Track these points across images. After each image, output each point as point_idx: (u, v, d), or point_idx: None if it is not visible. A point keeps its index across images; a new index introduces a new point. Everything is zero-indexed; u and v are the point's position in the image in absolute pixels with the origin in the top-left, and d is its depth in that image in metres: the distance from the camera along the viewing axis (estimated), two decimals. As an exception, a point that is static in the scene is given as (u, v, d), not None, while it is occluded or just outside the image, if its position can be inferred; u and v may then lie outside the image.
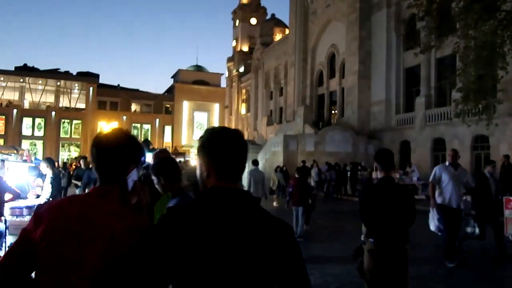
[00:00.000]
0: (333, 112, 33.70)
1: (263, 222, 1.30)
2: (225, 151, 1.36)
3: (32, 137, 46.80)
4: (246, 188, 12.34)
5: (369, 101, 27.64)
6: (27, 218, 5.64)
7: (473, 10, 11.98)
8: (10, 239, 5.89)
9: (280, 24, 47.39)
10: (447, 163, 6.56)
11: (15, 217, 5.73)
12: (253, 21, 54.59)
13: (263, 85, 45.43)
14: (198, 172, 1.42)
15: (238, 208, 1.29)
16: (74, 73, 53.54)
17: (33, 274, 1.40)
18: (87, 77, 52.11)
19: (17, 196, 5.46)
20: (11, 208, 5.55)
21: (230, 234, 1.24)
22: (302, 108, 32.21)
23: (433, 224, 6.43)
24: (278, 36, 45.28)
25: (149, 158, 4.32)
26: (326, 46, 33.43)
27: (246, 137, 36.92)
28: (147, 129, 53.98)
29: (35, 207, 1.39)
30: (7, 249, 5.66)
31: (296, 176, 9.36)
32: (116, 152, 1.50)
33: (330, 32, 32.91)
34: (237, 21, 56.12)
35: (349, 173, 19.91)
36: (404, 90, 26.10)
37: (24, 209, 5.59)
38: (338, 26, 31.00)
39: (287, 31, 42.07)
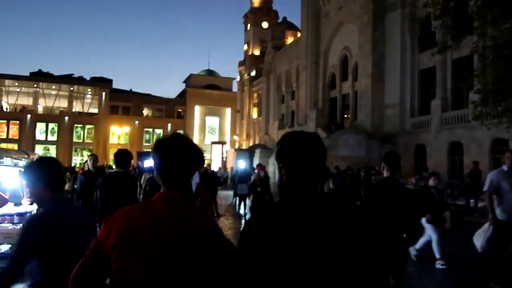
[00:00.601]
0: (346, 116, 33.13)
1: (344, 218, 1.38)
2: (300, 155, 1.43)
3: (46, 142, 47.23)
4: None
5: (383, 104, 27.04)
6: (19, 226, 5.34)
7: (494, 7, 11.41)
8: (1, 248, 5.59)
9: (292, 27, 47.01)
10: (504, 168, 5.53)
11: (10, 224, 5.42)
12: (265, 24, 54.34)
13: (275, 89, 45.07)
14: (278, 174, 1.52)
15: (319, 207, 1.37)
16: (88, 79, 54.11)
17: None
18: (100, 82, 52.56)
19: (4, 203, 5.13)
20: (1, 216, 5.23)
21: (316, 232, 1.32)
22: (314, 112, 31.76)
23: (479, 242, 5.59)
24: (290, 40, 44.90)
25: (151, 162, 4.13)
26: (339, 49, 32.93)
27: (257, 141, 36.49)
28: (159, 134, 54.06)
29: (106, 216, 1.53)
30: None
31: None
32: (180, 158, 1.54)
33: (342, 34, 32.42)
34: (249, 25, 55.95)
35: (362, 177, 19.36)
36: (419, 92, 25.45)
37: (15, 216, 5.26)
38: (351, 28, 30.50)
39: (299, 34, 41.68)
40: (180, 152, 1.54)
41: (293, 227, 1.31)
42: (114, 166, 4.80)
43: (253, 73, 53.62)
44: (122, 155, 4.60)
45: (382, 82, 27.12)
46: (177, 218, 1.45)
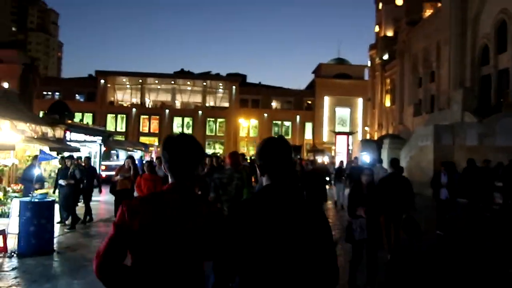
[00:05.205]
0: (503, 98, 26.51)
1: (301, 207, 1.83)
2: (270, 158, 1.89)
3: (182, 135, 50.60)
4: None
5: (561, 77, 20.46)
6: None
7: None
8: None
9: (432, -3, 40.61)
10: None
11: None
12: (399, 1, 48.53)
13: (410, 71, 39.61)
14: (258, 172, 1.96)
15: (282, 199, 1.82)
16: (224, 75, 56.36)
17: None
18: (231, 77, 54.13)
19: None
20: None
21: (281, 218, 1.75)
22: (461, 92, 26.06)
23: None
24: (428, 13, 38.80)
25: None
26: (493, 13, 26.50)
27: (390, 132, 31.95)
28: (288, 126, 53.29)
29: (124, 202, 1.74)
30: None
31: None
32: (190, 154, 1.83)
33: (498, -6, 26.01)
34: (380, 4, 50.81)
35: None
36: None
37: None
38: (511, -16, 24.13)
39: (439, 6, 35.51)
40: (190, 149, 1.82)
41: (262, 214, 1.76)
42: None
43: (385, 57, 48.45)
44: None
45: (558, 48, 20.56)
46: (191, 203, 1.77)
